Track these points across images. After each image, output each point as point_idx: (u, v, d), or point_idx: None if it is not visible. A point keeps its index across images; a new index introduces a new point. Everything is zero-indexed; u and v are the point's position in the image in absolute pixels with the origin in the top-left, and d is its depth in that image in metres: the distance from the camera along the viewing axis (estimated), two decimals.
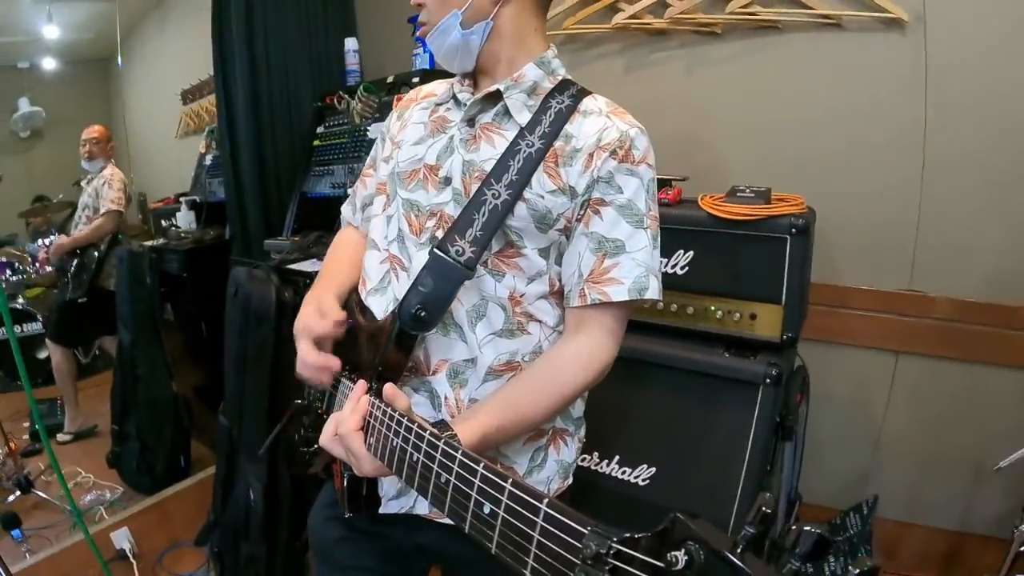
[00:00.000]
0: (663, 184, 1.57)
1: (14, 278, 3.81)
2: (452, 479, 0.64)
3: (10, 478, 2.89)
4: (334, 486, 0.95)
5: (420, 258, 0.90)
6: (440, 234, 0.89)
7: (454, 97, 0.99)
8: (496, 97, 0.92)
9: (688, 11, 1.75)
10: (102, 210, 3.12)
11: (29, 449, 3.22)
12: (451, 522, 0.64)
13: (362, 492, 0.90)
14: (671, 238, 1.48)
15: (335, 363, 0.93)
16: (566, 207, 0.89)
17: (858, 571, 0.40)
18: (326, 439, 0.81)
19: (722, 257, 1.43)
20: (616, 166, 0.88)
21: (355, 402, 0.81)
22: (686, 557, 0.41)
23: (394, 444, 0.73)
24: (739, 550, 0.40)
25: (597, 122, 0.90)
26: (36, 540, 2.49)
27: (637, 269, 0.88)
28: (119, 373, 2.91)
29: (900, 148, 1.62)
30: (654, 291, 0.89)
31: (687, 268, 1.48)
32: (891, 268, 1.68)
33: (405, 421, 0.73)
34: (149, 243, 3.17)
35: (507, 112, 0.91)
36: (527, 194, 0.87)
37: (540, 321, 0.93)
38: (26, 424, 3.44)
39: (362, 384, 0.84)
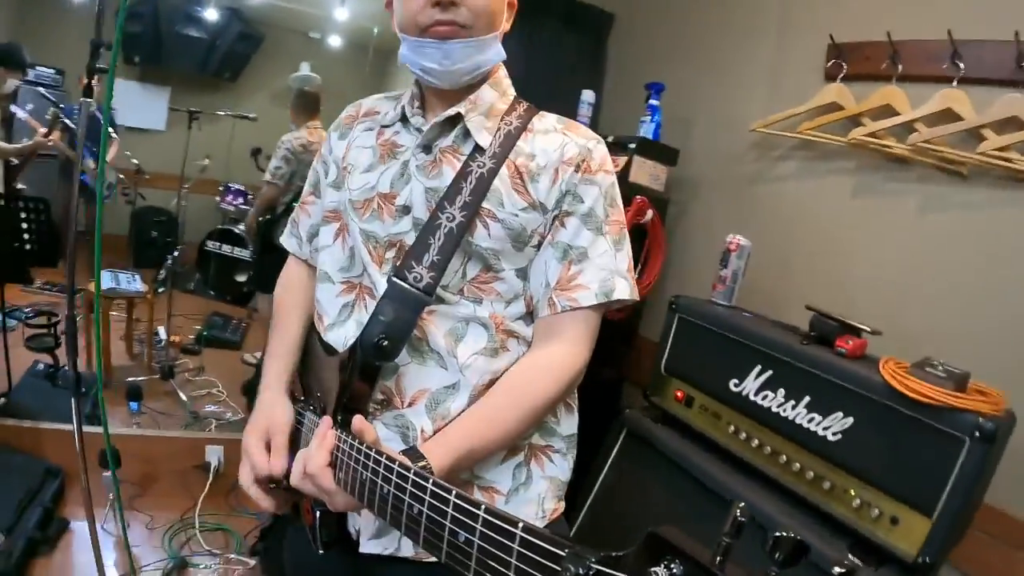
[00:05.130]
0: (850, 330, 1.36)
1: (244, 206, 4.36)
2: (424, 509, 0.63)
3: (160, 363, 3.30)
4: (305, 523, 0.94)
5: (384, 286, 0.89)
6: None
7: (403, 119, 0.97)
8: (455, 120, 0.92)
9: (935, 141, 1.50)
10: (264, 179, 3.41)
11: (190, 347, 3.61)
12: (434, 559, 0.63)
13: (335, 528, 0.90)
14: (833, 395, 1.28)
15: (270, 509, 0.91)
16: (539, 222, 0.90)
17: (839, 572, 0.41)
18: (296, 478, 0.80)
19: (884, 438, 1.19)
20: (579, 178, 0.90)
21: (321, 438, 0.79)
22: (666, 572, 0.41)
23: (364, 477, 0.72)
24: (718, 560, 0.40)
25: (555, 139, 0.92)
26: (147, 418, 2.82)
27: (601, 273, 0.90)
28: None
29: None
30: (622, 291, 0.90)
31: (839, 436, 1.26)
32: None
33: (373, 454, 0.72)
34: None
35: (467, 134, 0.91)
36: (500, 214, 0.88)
37: (518, 337, 0.93)
38: (198, 327, 3.85)
39: (327, 419, 0.82)
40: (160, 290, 3.68)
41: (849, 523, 1.21)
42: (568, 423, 0.99)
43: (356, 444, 0.75)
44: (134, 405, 2.74)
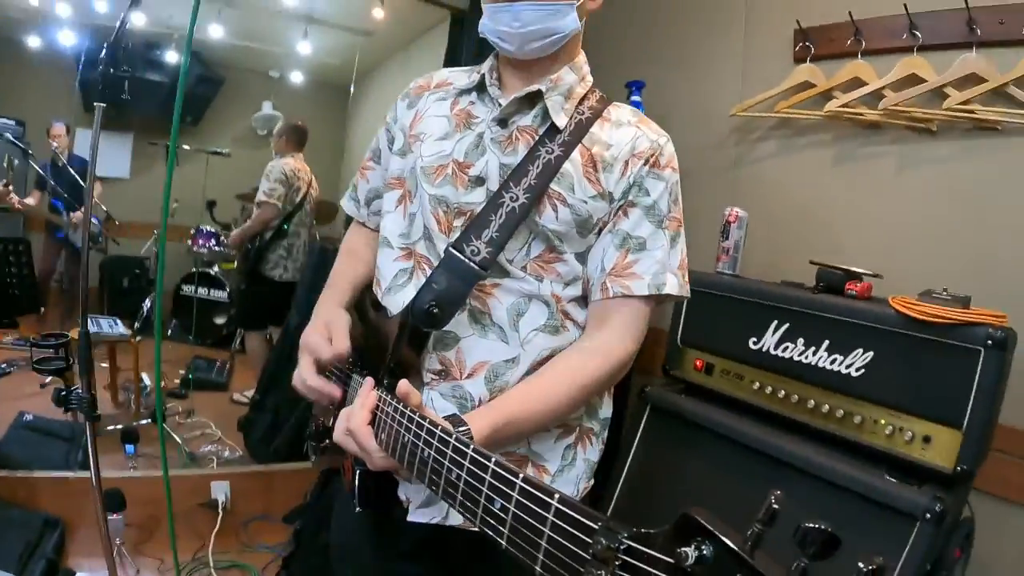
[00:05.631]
0: (854, 276, 1.46)
1: (216, 248, 4.32)
2: (463, 475, 0.64)
3: (147, 408, 3.22)
4: (345, 482, 0.96)
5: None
6: None
7: (479, 88, 0.97)
8: (534, 98, 0.93)
9: (902, 104, 1.64)
10: (257, 201, 3.43)
11: (176, 392, 3.55)
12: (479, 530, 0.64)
13: (373, 487, 0.90)
14: (850, 335, 1.36)
15: (335, 393, 0.95)
16: (605, 211, 0.92)
17: (866, 568, 0.38)
18: (339, 434, 0.82)
19: (904, 365, 1.28)
20: (647, 171, 0.92)
21: (364, 397, 0.82)
22: (696, 553, 0.41)
23: (405, 439, 0.74)
24: (749, 545, 0.40)
25: (629, 132, 0.94)
26: (144, 460, 2.76)
27: (655, 266, 0.92)
28: (276, 351, 3.14)
29: None
30: (672, 287, 0.92)
31: (862, 371, 1.34)
32: None
33: (416, 417, 0.73)
34: None
35: (546, 114, 0.92)
36: (571, 199, 0.89)
37: (575, 321, 0.95)
38: (182, 371, 3.79)
39: (370, 380, 0.85)
40: (138, 338, 3.60)
41: (884, 450, 1.28)
42: (607, 407, 1.02)
43: (399, 407, 0.76)
44: (130, 448, 2.66)
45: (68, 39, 4.04)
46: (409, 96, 1.06)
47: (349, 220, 1.23)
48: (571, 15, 0.89)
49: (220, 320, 4.37)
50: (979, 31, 1.54)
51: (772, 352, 1.48)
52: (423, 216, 0.95)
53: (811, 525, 0.40)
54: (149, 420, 3.10)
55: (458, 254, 0.86)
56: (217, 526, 2.44)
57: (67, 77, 4.04)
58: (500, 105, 0.93)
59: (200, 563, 2.29)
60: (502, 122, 0.93)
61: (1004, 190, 1.54)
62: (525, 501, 0.56)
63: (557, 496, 0.53)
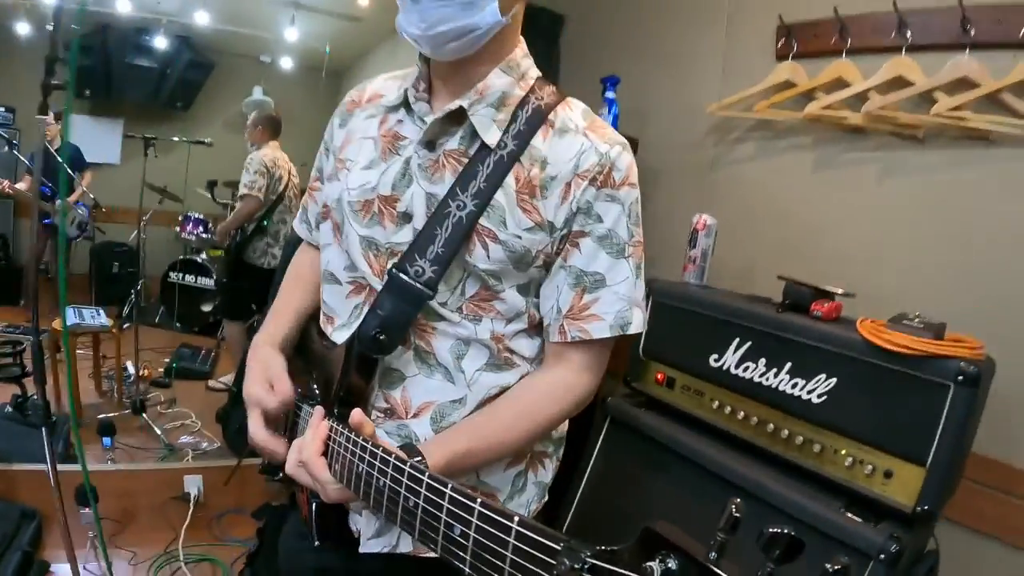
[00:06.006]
0: (823, 295, 1.38)
1: (205, 235, 4.30)
2: (420, 502, 0.63)
3: (130, 397, 3.23)
4: (301, 516, 0.93)
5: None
6: None
7: (406, 104, 0.87)
8: (459, 116, 0.82)
9: (888, 108, 1.54)
10: (239, 193, 3.41)
11: (159, 380, 3.55)
12: (434, 555, 0.62)
13: (331, 520, 0.88)
14: (814, 359, 1.28)
15: (280, 449, 0.89)
16: (544, 243, 0.83)
17: (832, 568, 0.40)
18: (291, 466, 0.79)
19: (869, 394, 1.20)
20: (595, 194, 0.82)
21: (315, 428, 0.79)
22: (662, 567, 0.42)
23: (359, 469, 0.72)
24: (713, 555, 0.40)
25: (574, 143, 0.82)
26: (121, 453, 2.75)
27: (619, 303, 0.84)
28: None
29: None
30: (637, 324, 0.86)
31: (825, 398, 1.26)
32: None
33: (370, 446, 0.71)
34: None
35: (474, 133, 0.81)
36: (502, 235, 0.80)
37: (522, 356, 0.90)
38: (166, 360, 3.79)
39: (319, 410, 0.82)
40: (126, 325, 3.59)
41: (843, 482, 1.21)
42: (562, 426, 0.98)
43: (352, 436, 0.74)
44: (107, 441, 2.65)
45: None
46: (342, 113, 0.97)
47: None
48: (489, 7, 0.75)
49: (207, 308, 4.36)
50: (973, 32, 1.45)
51: (732, 371, 1.41)
52: (353, 258, 0.88)
53: (775, 530, 0.40)
54: (130, 411, 3.09)
55: (402, 275, 0.80)
56: (188, 519, 2.43)
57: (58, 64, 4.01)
58: (426, 123, 0.83)
59: (171, 556, 2.28)
60: (429, 144, 0.83)
61: (992, 205, 1.45)
62: (484, 526, 0.56)
63: (517, 519, 0.53)
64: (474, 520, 0.56)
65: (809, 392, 1.28)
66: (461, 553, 0.58)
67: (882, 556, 1.09)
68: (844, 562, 0.39)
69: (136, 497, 2.46)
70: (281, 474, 0.87)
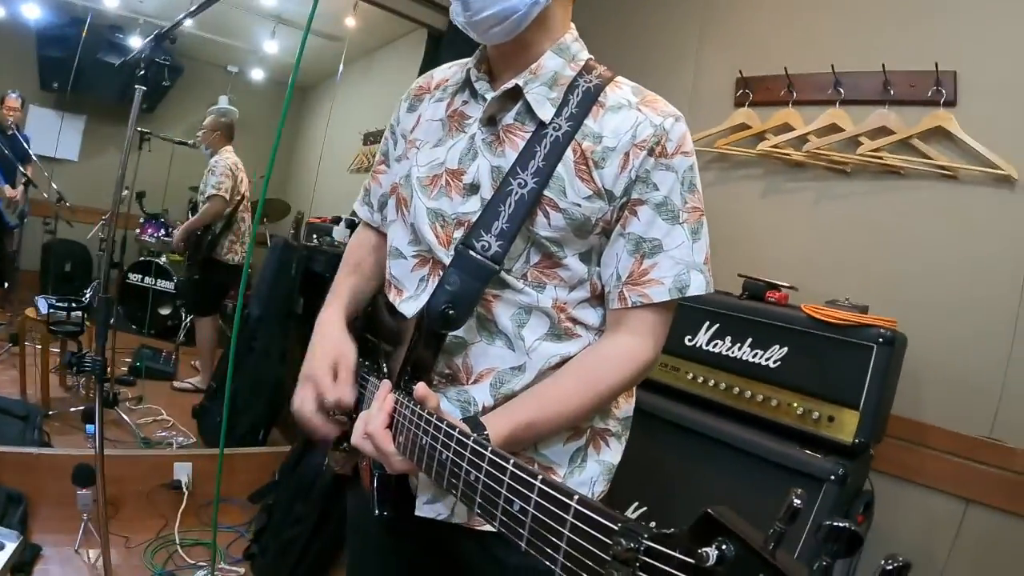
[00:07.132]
0: (773, 287, 1.73)
1: (166, 238, 4.31)
2: (482, 477, 0.63)
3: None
4: (364, 485, 0.93)
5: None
6: None
7: (470, 86, 0.92)
8: (516, 93, 0.87)
9: (823, 148, 1.95)
10: (205, 195, 3.56)
11: (124, 378, 3.60)
12: (489, 529, 0.63)
13: (392, 491, 0.88)
14: (769, 334, 1.62)
15: (331, 435, 0.93)
16: (604, 211, 0.85)
17: (890, 566, 0.37)
18: (357, 438, 0.80)
19: (812, 358, 1.55)
20: (652, 163, 0.84)
21: (381, 401, 0.80)
22: (717, 553, 0.41)
23: (423, 442, 0.73)
24: (771, 546, 0.40)
25: (628, 117, 0.85)
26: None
27: (676, 267, 0.85)
28: (236, 340, 3.22)
29: (997, 302, 1.69)
30: (698, 287, 0.86)
31: (779, 363, 1.60)
32: (974, 413, 1.71)
33: (434, 419, 0.72)
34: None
35: (529, 109, 0.86)
36: (563, 203, 0.83)
37: (585, 324, 0.91)
38: (128, 360, 3.80)
39: (386, 383, 0.83)
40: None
41: (797, 428, 1.53)
42: (627, 405, 0.98)
43: (417, 409, 0.74)
44: (90, 428, 2.67)
45: (32, 12, 3.99)
46: (410, 98, 1.02)
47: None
48: None
49: (165, 311, 4.35)
50: (892, 91, 1.85)
51: (704, 348, 1.73)
52: (421, 229, 0.91)
53: (835, 523, 0.39)
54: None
55: (470, 251, 0.82)
56: (183, 505, 2.49)
57: (29, 51, 3.97)
58: (486, 101, 0.88)
59: (165, 540, 2.33)
60: (491, 120, 0.88)
61: (903, 223, 1.86)
62: (544, 503, 0.55)
63: (576, 497, 0.52)
64: (534, 496, 0.56)
65: (766, 359, 1.61)
66: (520, 529, 0.58)
67: (832, 477, 1.41)
68: (903, 561, 0.36)
69: (125, 483, 2.47)
70: (346, 444, 0.89)
